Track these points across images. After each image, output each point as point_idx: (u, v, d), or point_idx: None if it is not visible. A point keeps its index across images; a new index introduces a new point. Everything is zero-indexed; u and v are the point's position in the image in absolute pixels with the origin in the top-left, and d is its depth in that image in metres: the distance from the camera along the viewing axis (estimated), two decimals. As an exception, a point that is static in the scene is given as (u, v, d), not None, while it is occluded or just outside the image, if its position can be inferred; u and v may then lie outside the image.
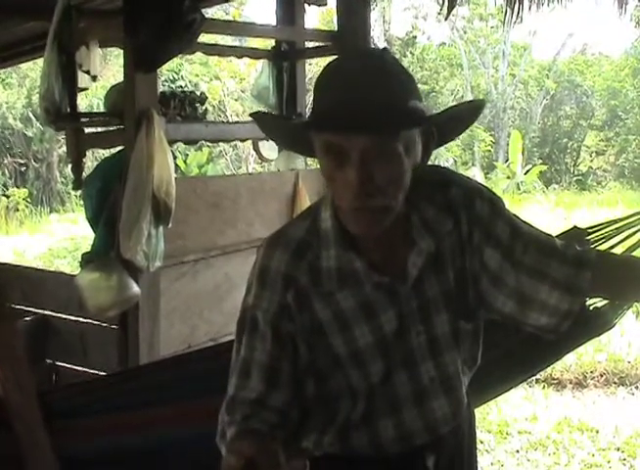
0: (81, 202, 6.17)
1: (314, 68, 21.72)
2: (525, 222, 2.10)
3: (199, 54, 6.61)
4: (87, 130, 4.91)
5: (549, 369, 7.30)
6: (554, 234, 2.28)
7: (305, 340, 1.97)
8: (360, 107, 1.74)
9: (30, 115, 22.10)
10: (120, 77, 4.54)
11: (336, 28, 5.77)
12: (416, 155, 1.86)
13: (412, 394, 2.03)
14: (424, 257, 1.96)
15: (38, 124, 20.89)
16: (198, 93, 5.22)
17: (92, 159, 15.28)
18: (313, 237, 1.98)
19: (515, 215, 2.10)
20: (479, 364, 2.20)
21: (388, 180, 1.80)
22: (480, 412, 6.18)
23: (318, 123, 1.85)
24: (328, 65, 1.92)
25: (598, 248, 3.02)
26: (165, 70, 19.43)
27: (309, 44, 6.26)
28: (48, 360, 5.29)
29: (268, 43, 6.95)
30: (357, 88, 1.77)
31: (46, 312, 5.38)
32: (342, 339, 1.98)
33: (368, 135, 1.75)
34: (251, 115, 2.03)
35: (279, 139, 2.20)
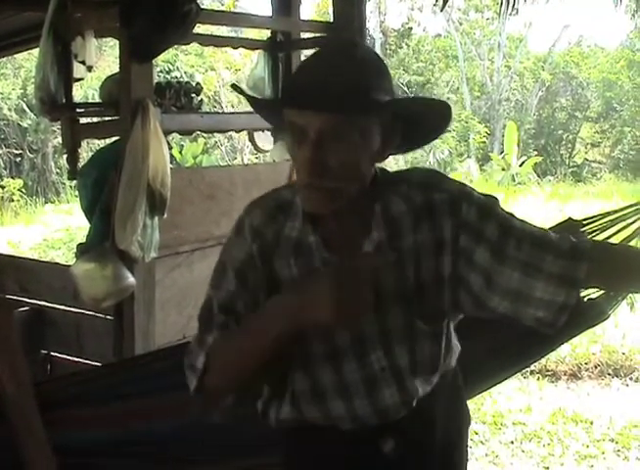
0: (76, 192, 6.17)
1: (310, 59, 21.75)
2: (519, 220, 2.10)
3: (194, 45, 6.61)
4: (82, 121, 4.90)
5: (543, 361, 7.31)
6: (549, 226, 2.29)
7: (264, 293, 2.07)
8: (320, 88, 1.86)
9: (25, 105, 22.08)
10: (116, 68, 4.53)
11: (331, 19, 5.77)
12: (372, 145, 1.94)
13: (362, 381, 2.08)
14: (374, 245, 2.01)
15: (33, 115, 20.90)
16: (193, 84, 5.21)
17: (87, 149, 15.25)
18: (288, 206, 2.09)
19: (509, 214, 2.10)
20: (450, 365, 2.22)
21: (340, 163, 1.89)
22: (474, 403, 6.20)
23: (281, 99, 2.07)
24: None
25: (592, 239, 3.03)
26: (161, 61, 19.39)
27: (305, 35, 6.25)
28: (43, 351, 5.28)
29: (264, 34, 6.94)
30: (322, 72, 1.90)
31: (41, 303, 5.37)
32: None
33: (322, 114, 1.85)
34: (246, 96, 2.15)
35: (269, 120, 2.27)
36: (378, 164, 2.06)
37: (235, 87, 2.27)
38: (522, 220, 2.10)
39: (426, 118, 2.02)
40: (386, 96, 1.93)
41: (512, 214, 2.10)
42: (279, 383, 2.15)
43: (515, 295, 2.03)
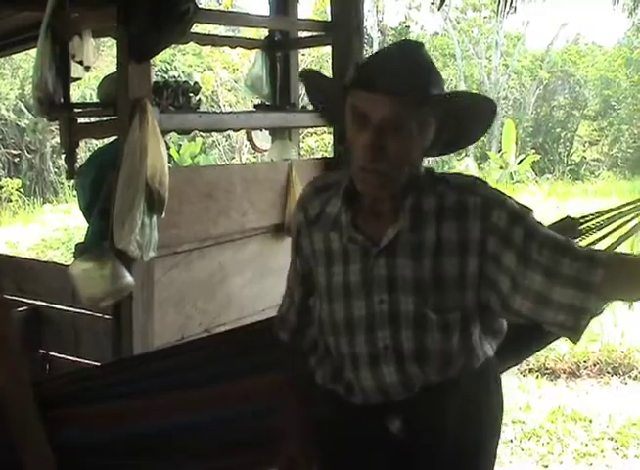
0: (74, 192, 6.16)
1: (307, 58, 21.73)
2: (545, 228, 2.23)
3: (192, 44, 6.59)
4: (80, 120, 4.89)
5: (542, 359, 7.33)
6: (547, 224, 2.31)
7: (312, 259, 2.40)
8: (389, 75, 2.09)
9: (23, 105, 22.06)
10: (113, 68, 4.53)
11: (329, 18, 5.77)
12: (426, 138, 2.16)
13: (368, 354, 2.29)
14: (396, 232, 2.21)
15: (31, 115, 20.87)
16: (191, 83, 5.20)
17: (85, 149, 15.25)
18: (336, 186, 2.34)
19: (539, 223, 2.23)
20: (472, 363, 2.32)
21: (396, 150, 2.10)
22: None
23: (352, 81, 2.15)
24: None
25: (590, 237, 3.06)
26: (158, 61, 19.40)
27: (303, 34, 6.25)
28: (41, 351, 5.29)
29: (261, 33, 6.95)
30: (394, 62, 2.14)
31: (39, 303, 5.38)
32: (325, 270, 2.35)
33: (388, 101, 2.06)
34: (301, 73, 2.42)
35: (318, 99, 2.47)
36: (424, 164, 2.29)
37: (307, 71, 2.41)
38: (548, 229, 2.24)
39: (472, 115, 2.22)
40: (440, 91, 2.18)
41: (541, 224, 2.23)
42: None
43: (537, 297, 2.14)
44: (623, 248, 3.20)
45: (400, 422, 2.29)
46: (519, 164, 22.97)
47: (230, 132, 15.30)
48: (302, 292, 2.50)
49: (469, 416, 2.35)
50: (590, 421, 6.26)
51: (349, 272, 2.28)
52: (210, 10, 8.73)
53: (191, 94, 5.03)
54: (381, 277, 2.23)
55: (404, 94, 2.06)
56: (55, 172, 22.59)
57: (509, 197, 2.28)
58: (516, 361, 3.46)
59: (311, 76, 2.37)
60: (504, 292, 2.19)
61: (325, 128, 12.12)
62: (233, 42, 6.43)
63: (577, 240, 3.01)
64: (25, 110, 21.82)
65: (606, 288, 2.13)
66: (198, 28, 5.22)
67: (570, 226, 3.02)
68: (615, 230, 3.18)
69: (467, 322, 2.26)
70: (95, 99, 5.96)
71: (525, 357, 3.74)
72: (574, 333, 2.19)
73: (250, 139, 6.19)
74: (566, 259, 2.12)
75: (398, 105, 2.06)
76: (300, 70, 2.26)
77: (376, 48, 27.06)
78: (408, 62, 2.14)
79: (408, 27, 30.26)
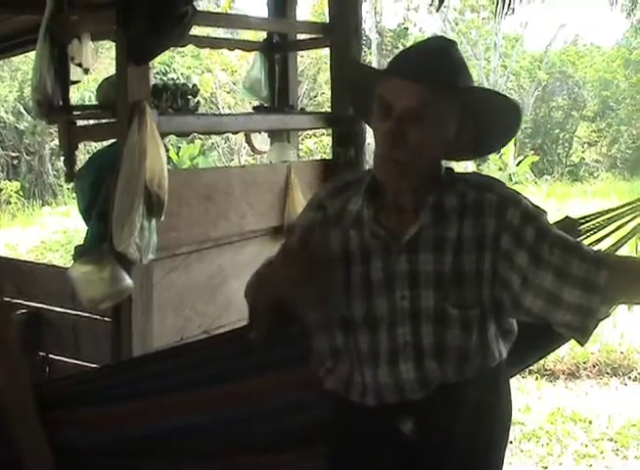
0: (74, 195, 6.17)
1: (306, 59, 21.73)
2: (557, 230, 2.27)
3: (190, 46, 6.60)
4: (79, 123, 4.89)
5: (542, 360, 7.32)
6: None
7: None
8: (419, 62, 2.16)
9: (22, 108, 22.06)
10: (112, 70, 4.53)
11: (327, 20, 5.77)
12: (447, 131, 2.20)
13: (387, 351, 2.28)
14: (418, 227, 2.22)
15: (30, 117, 20.83)
16: (190, 85, 5.21)
17: (84, 151, 15.24)
18: (357, 184, 2.35)
19: (550, 224, 2.28)
20: (488, 362, 2.34)
21: (416, 139, 2.13)
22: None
23: (385, 69, 2.26)
24: None
25: (590, 238, 3.07)
26: (157, 63, 19.38)
27: (301, 36, 6.25)
28: (41, 353, 5.29)
29: (260, 35, 6.94)
30: (422, 54, 2.21)
31: (39, 305, 5.38)
32: (342, 271, 2.30)
33: (413, 88, 2.12)
34: (345, 61, 2.47)
35: (350, 85, 2.53)
36: (445, 164, 2.33)
37: (351, 62, 2.50)
38: (559, 231, 2.27)
39: (496, 119, 2.26)
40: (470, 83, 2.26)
41: (552, 225, 2.29)
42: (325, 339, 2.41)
43: (548, 296, 2.18)
44: (625, 248, 3.21)
45: (412, 423, 2.29)
46: (518, 165, 22.94)
47: (229, 134, 15.28)
48: None
49: (481, 418, 2.37)
50: (590, 422, 6.26)
51: (371, 271, 2.28)
52: (209, 12, 8.74)
53: (189, 96, 5.03)
54: (403, 273, 2.24)
55: (431, 80, 2.12)
56: (54, 175, 22.58)
57: (525, 197, 2.30)
58: (524, 365, 3.47)
59: (351, 65, 2.54)
60: (515, 290, 2.21)
61: (324, 130, 12.11)
62: (231, 44, 6.45)
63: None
64: (24, 112, 21.80)
65: (610, 290, 2.16)
66: (196, 31, 5.22)
67: (569, 227, 3.02)
68: (614, 231, 3.19)
69: (484, 319, 2.28)
70: (94, 101, 5.95)
71: (533, 361, 3.73)
72: (582, 334, 2.24)
73: (248, 141, 6.19)
74: (575, 260, 2.17)
75: (423, 92, 2.12)
76: (346, 58, 2.45)
77: (374, 50, 27.08)
78: (438, 53, 2.20)
79: (406, 29, 30.25)
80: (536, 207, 2.29)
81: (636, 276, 2.23)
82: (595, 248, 2.96)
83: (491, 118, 2.24)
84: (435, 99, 2.13)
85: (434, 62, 2.16)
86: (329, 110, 5.97)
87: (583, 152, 29.72)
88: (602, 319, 2.24)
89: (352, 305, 2.30)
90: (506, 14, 5.91)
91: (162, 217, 4.28)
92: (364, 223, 2.29)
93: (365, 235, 2.29)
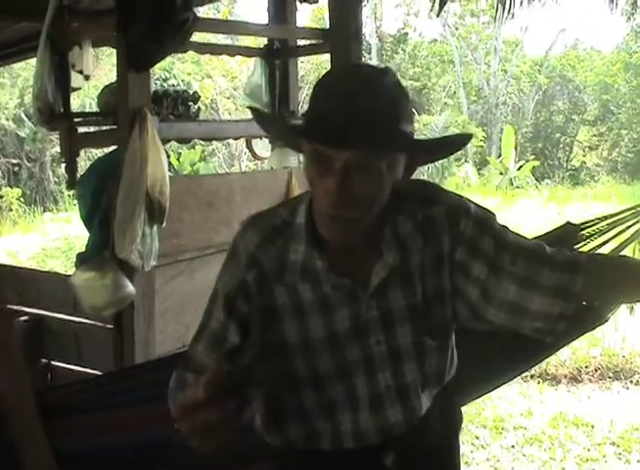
0: (75, 201, 6.17)
1: (306, 65, 21.75)
2: (515, 234, 2.12)
3: (191, 52, 6.61)
4: (80, 130, 4.90)
5: (543, 364, 7.32)
6: (547, 230, 2.30)
7: (258, 321, 2.02)
8: (350, 122, 1.77)
9: (23, 115, 22.09)
10: (113, 77, 4.54)
11: (327, 26, 5.77)
12: (398, 173, 1.89)
13: (369, 398, 2.08)
14: (388, 269, 1.99)
15: (31, 124, 20.88)
16: (190, 92, 5.21)
17: (85, 158, 15.26)
18: (287, 228, 2.03)
19: (505, 227, 2.12)
20: (451, 375, 2.23)
21: (365, 194, 1.84)
22: (475, 408, 6.21)
23: (308, 132, 1.88)
24: (328, 72, 2.00)
25: (591, 243, 3.04)
26: (157, 69, 19.41)
27: (301, 42, 6.26)
28: (43, 360, 5.29)
29: (260, 41, 6.96)
30: (350, 103, 1.79)
31: (41, 312, 5.38)
32: (296, 327, 2.03)
33: (354, 151, 1.78)
34: (251, 109, 2.09)
35: (273, 136, 2.27)
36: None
37: (253, 112, 2.07)
38: (516, 234, 2.13)
39: (446, 145, 2.05)
40: (411, 126, 1.89)
41: (507, 227, 2.12)
42: (277, 404, 2.14)
43: (512, 307, 2.05)
44: (625, 252, 3.21)
45: (395, 454, 2.16)
46: (519, 169, 22.98)
47: (230, 140, 15.30)
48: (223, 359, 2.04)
49: (448, 428, 2.32)
50: (592, 426, 6.26)
51: (334, 323, 2.03)
52: (209, 19, 8.74)
53: (190, 103, 5.04)
54: (375, 318, 2.03)
55: (368, 148, 1.80)
56: (55, 181, 22.62)
57: (471, 201, 2.14)
58: (519, 371, 3.44)
59: (260, 116, 2.09)
60: (471, 301, 2.08)
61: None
62: (232, 50, 6.46)
63: (579, 246, 3.00)
64: (25, 119, 21.85)
65: (586, 293, 2.09)
66: (197, 37, 5.22)
67: (570, 232, 3.01)
68: (616, 236, 3.17)
69: (451, 336, 2.19)
70: (95, 108, 5.96)
71: (528, 366, 3.69)
72: (551, 335, 2.12)
73: (249, 147, 6.20)
74: (544, 270, 2.04)
75: (357, 154, 1.79)
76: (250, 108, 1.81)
77: (374, 55, 27.12)
78: (367, 102, 1.80)
79: (406, 34, 30.32)
80: (484, 209, 2.14)
81: (612, 277, 2.17)
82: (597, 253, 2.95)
83: (438, 150, 2.05)
84: (377, 155, 1.82)
85: (366, 121, 1.78)
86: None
87: (584, 156, 29.77)
88: (599, 325, 2.20)
89: (317, 362, 2.05)
90: (506, 18, 5.91)
91: (164, 224, 4.29)
92: (319, 277, 2.00)
93: (322, 288, 2.01)
